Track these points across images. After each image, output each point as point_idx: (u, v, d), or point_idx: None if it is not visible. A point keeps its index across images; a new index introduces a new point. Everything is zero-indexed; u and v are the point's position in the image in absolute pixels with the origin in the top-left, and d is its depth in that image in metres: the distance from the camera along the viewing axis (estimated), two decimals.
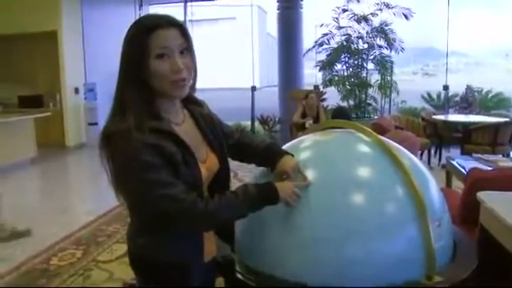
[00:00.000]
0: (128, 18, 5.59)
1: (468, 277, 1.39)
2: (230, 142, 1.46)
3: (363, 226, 1.29)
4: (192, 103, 1.32)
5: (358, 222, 1.30)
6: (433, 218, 1.34)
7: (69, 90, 8.07)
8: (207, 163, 1.28)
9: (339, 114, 4.69)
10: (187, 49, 1.19)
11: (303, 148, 1.59)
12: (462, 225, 2.14)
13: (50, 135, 7.96)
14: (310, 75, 9.26)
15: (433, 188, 1.48)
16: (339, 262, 1.28)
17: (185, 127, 1.26)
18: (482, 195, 1.86)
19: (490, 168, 3.07)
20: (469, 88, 8.45)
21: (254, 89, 8.68)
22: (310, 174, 1.39)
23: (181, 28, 1.19)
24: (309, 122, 6.08)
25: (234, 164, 1.47)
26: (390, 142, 1.57)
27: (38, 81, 8.21)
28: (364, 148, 1.49)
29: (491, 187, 2.03)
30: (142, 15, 1.25)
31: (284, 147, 1.67)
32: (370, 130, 1.56)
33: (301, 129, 6.21)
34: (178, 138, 1.17)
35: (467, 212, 2.16)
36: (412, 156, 1.57)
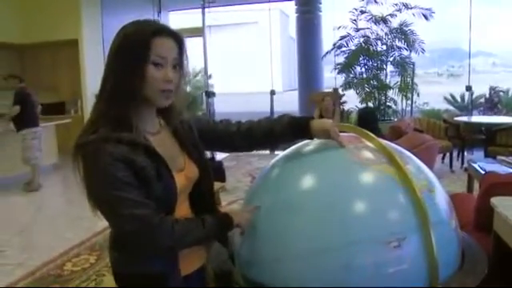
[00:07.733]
0: None
1: (477, 287, 1.33)
2: (233, 129, 1.40)
3: (362, 235, 1.24)
4: (170, 111, 1.25)
5: (357, 231, 1.24)
6: (436, 226, 1.27)
7: (89, 96, 8.19)
8: (185, 171, 1.25)
9: (366, 114, 4.63)
10: (179, 65, 1.16)
11: (304, 153, 1.54)
12: (476, 231, 2.05)
13: (72, 141, 8.06)
14: (331, 78, 9.17)
15: (439, 194, 1.41)
16: (339, 271, 1.23)
17: (161, 137, 1.23)
18: (496, 201, 1.77)
19: (510, 171, 2.94)
20: (492, 89, 8.26)
21: (273, 93, 8.68)
22: (306, 182, 1.37)
23: (179, 41, 1.15)
24: None
25: None
26: (394, 146, 1.51)
27: (60, 88, 8.37)
28: (366, 154, 1.43)
29: (508, 192, 1.93)
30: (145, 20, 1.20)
31: (287, 151, 1.63)
32: (372, 134, 1.50)
33: None
34: (151, 150, 1.13)
35: (481, 218, 2.07)
36: (418, 161, 1.51)
